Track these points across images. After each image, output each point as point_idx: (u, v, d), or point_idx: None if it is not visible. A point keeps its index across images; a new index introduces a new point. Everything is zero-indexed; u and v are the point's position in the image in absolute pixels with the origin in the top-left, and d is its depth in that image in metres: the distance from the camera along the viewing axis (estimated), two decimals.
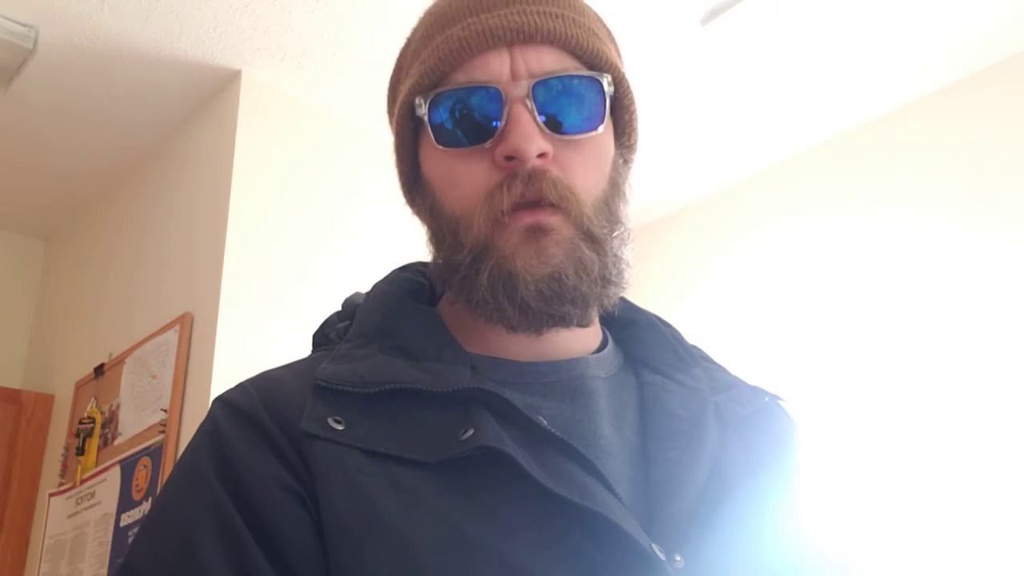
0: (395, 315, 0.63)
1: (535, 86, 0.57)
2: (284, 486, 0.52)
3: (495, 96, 0.57)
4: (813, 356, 2.43)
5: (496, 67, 0.58)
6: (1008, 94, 2.28)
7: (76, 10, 2.06)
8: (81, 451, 2.31)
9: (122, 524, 2.08)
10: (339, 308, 0.70)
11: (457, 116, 0.58)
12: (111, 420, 2.29)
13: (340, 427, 0.54)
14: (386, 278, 0.68)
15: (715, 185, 2.86)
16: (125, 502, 2.10)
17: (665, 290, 2.87)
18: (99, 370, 2.41)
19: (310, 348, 0.69)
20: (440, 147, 0.59)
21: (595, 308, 0.60)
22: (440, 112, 0.58)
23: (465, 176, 0.58)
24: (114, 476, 2.17)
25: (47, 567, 2.30)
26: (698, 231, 2.90)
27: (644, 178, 2.79)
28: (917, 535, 2.08)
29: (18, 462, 2.54)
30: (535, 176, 0.56)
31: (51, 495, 2.40)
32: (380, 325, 0.62)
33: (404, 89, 0.62)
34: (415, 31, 0.65)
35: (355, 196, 2.39)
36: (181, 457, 0.57)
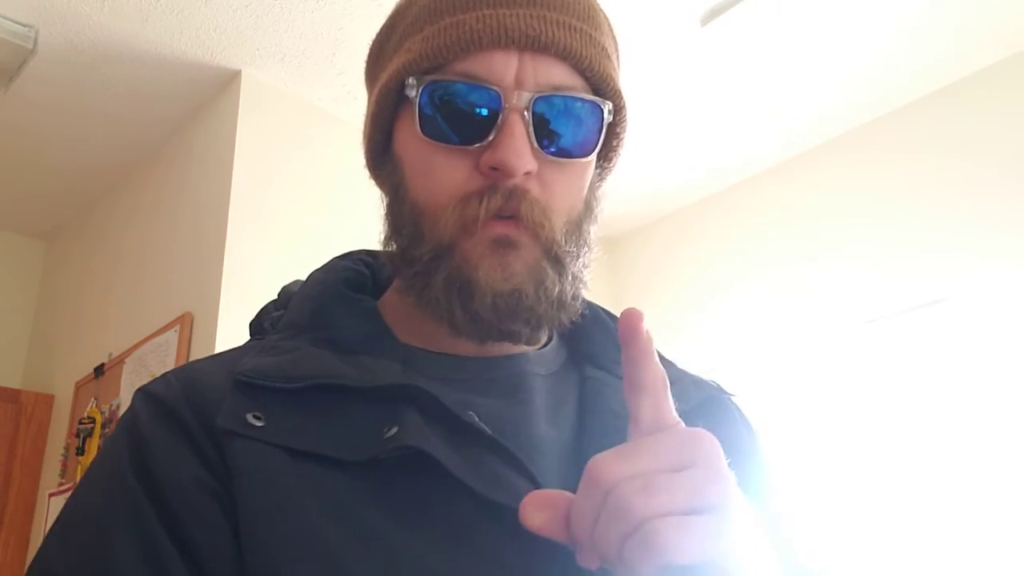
0: (328, 305, 0.60)
1: (537, 100, 0.54)
2: (202, 485, 0.50)
3: (494, 100, 0.54)
4: (813, 359, 2.44)
5: (500, 68, 0.54)
6: (1010, 93, 2.28)
7: (76, 10, 2.06)
8: (81, 451, 2.32)
9: None
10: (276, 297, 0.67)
11: (449, 110, 0.54)
12: (111, 420, 2.29)
13: (260, 423, 0.51)
14: (324, 266, 0.65)
15: (715, 185, 2.86)
16: None
17: (662, 290, 2.87)
18: (99, 370, 2.41)
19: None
20: (423, 137, 0.55)
21: (545, 329, 0.58)
22: (432, 101, 0.55)
23: (442, 171, 0.55)
24: None
25: None
26: (697, 231, 2.90)
27: (642, 178, 2.79)
28: (879, 537, 2.08)
29: (18, 462, 2.54)
30: (516, 194, 0.54)
31: (51, 495, 2.40)
32: (312, 315, 0.60)
33: (397, 61, 0.58)
34: None
35: (354, 195, 2.38)
36: (101, 448, 0.55)
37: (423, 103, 0.55)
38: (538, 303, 0.55)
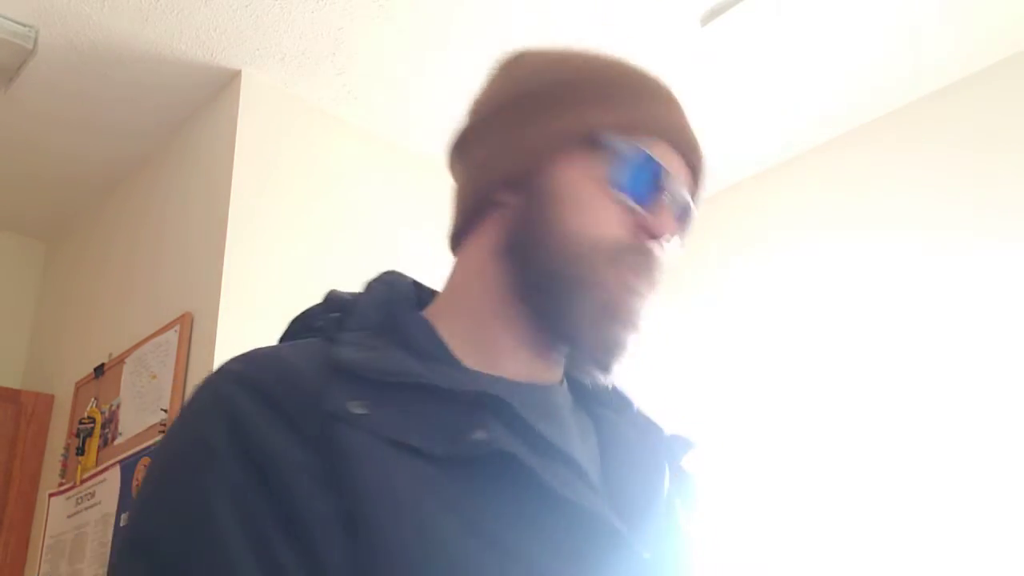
0: (399, 313, 0.65)
1: (690, 205, 0.70)
2: (305, 466, 0.51)
3: (664, 180, 0.67)
4: (814, 360, 2.44)
5: (669, 157, 0.68)
6: (1011, 92, 2.28)
7: (76, 10, 2.06)
8: (81, 451, 2.31)
9: (122, 524, 2.08)
10: (322, 301, 0.70)
11: (636, 171, 0.66)
12: (111, 420, 2.29)
13: (363, 411, 0.54)
14: (381, 279, 0.70)
15: (714, 185, 2.86)
16: (125, 502, 2.10)
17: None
18: (99, 370, 2.41)
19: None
20: (606, 183, 0.65)
21: (604, 369, 0.65)
22: (629, 159, 0.65)
23: (602, 211, 0.65)
24: (114, 476, 2.17)
25: (47, 567, 2.30)
26: (697, 231, 2.90)
27: None
28: None
29: (18, 462, 2.54)
30: (654, 257, 0.66)
31: (51, 495, 2.40)
32: (384, 321, 0.64)
33: (589, 115, 0.67)
34: (613, 68, 0.70)
35: (355, 195, 2.39)
36: (182, 429, 0.55)
37: (622, 157, 0.66)
38: (632, 343, 0.65)
